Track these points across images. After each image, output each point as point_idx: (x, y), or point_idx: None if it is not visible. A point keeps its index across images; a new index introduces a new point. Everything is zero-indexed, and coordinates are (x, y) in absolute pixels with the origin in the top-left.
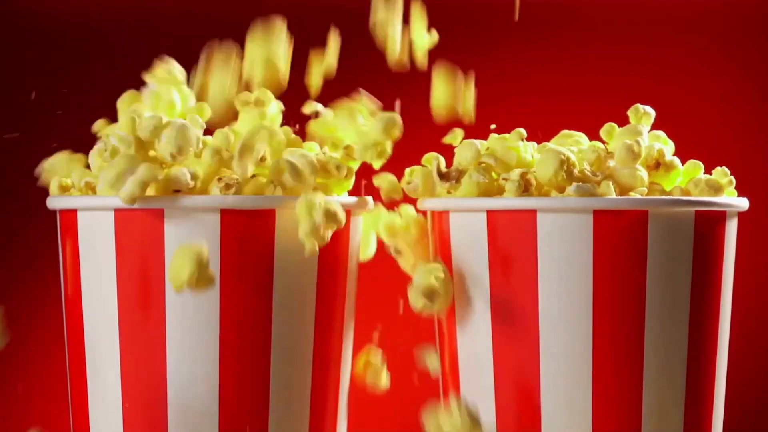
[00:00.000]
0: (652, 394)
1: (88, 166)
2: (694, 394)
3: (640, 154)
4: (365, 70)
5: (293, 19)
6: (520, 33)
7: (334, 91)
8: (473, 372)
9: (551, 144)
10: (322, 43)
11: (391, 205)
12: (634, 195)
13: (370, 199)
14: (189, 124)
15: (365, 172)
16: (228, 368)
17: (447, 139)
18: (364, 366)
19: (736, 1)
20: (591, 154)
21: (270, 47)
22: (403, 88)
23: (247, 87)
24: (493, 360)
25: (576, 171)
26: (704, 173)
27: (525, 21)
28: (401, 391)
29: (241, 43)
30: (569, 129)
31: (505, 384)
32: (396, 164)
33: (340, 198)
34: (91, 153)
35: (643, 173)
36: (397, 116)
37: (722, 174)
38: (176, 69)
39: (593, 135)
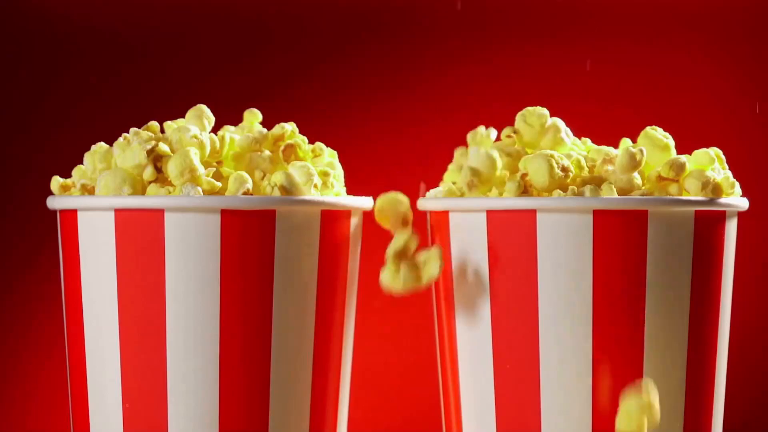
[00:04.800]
0: None
1: None
2: (694, 393)
3: (641, 164)
4: (374, 69)
5: (302, 22)
6: (521, 33)
7: (343, 89)
8: (473, 371)
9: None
10: (333, 45)
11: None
12: (634, 195)
13: (370, 199)
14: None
15: (365, 175)
16: (228, 368)
17: None
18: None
19: (736, 1)
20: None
21: None
22: (412, 87)
23: None
24: (493, 359)
25: (565, 165)
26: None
27: (525, 21)
28: (401, 391)
29: (246, 43)
30: (569, 129)
31: (505, 383)
32: (404, 164)
33: (340, 198)
34: (86, 155)
35: (639, 180)
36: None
37: (722, 174)
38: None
39: (592, 134)
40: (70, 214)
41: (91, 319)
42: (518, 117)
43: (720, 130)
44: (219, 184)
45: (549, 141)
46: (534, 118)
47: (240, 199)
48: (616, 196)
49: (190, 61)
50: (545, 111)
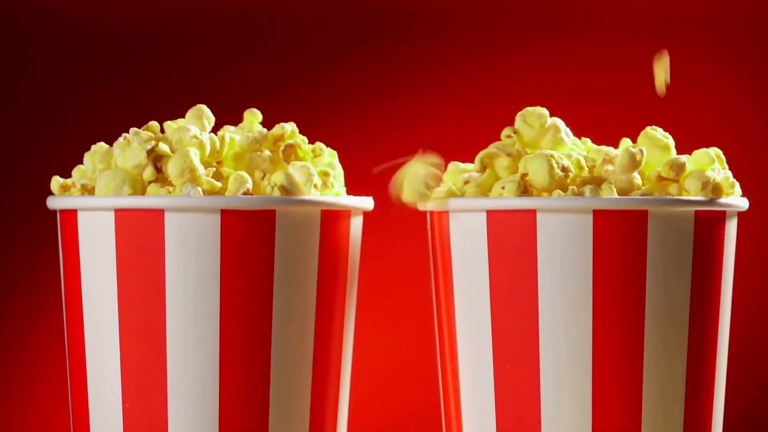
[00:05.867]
0: (652, 394)
1: None
2: (694, 394)
3: (641, 164)
4: (374, 69)
5: (302, 22)
6: (521, 33)
7: (347, 86)
8: (473, 372)
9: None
10: (333, 45)
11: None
12: (634, 195)
13: (370, 199)
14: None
15: (365, 175)
16: (228, 368)
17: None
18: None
19: (736, 2)
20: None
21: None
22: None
23: None
24: (493, 359)
25: (565, 165)
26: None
27: (526, 21)
28: (401, 391)
29: (246, 40)
30: (569, 129)
31: (505, 383)
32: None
33: (340, 198)
34: (86, 155)
35: (639, 180)
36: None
37: (722, 174)
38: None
39: (591, 135)
40: (70, 214)
41: (91, 319)
42: (518, 117)
43: (720, 130)
44: (219, 184)
45: (549, 141)
46: (534, 118)
47: (240, 199)
48: (616, 196)
49: (190, 61)
50: (545, 111)
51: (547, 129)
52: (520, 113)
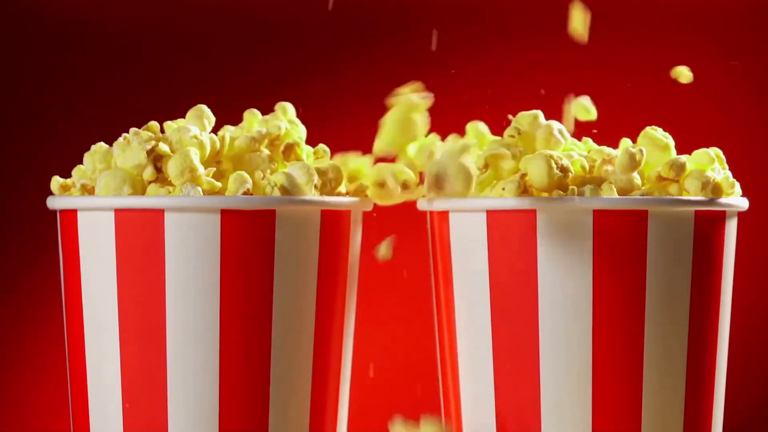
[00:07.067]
0: (652, 393)
1: None
2: (694, 393)
3: (641, 164)
4: (375, 69)
5: (302, 22)
6: (521, 33)
7: (354, 80)
8: (473, 372)
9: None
10: (333, 45)
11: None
12: (634, 195)
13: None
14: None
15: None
16: (228, 368)
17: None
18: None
19: (735, 1)
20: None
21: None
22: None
23: None
24: (493, 360)
25: (564, 164)
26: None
27: (525, 20)
28: (401, 391)
29: (252, 40)
30: (568, 129)
31: (505, 384)
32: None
33: (340, 198)
34: (86, 155)
35: (639, 180)
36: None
37: (722, 174)
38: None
39: (592, 135)
40: (70, 214)
41: (91, 319)
42: (513, 120)
43: (720, 130)
44: (219, 184)
45: (542, 141)
46: (525, 118)
47: (240, 199)
48: (616, 196)
49: (190, 61)
50: (538, 112)
51: (539, 129)
52: (515, 117)
